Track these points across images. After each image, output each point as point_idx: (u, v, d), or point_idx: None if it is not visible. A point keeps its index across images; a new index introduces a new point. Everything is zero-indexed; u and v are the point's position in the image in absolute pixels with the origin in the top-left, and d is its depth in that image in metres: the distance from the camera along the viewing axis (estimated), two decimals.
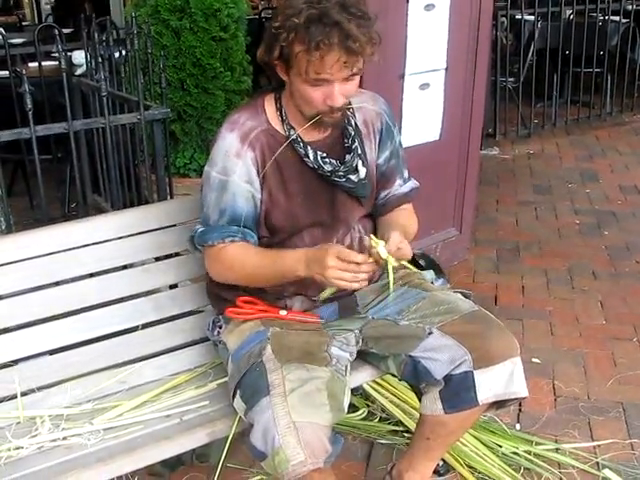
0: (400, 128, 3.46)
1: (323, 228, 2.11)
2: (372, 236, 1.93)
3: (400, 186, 2.28)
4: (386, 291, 2.23)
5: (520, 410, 2.84)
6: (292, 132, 2.06)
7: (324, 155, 2.08)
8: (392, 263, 1.91)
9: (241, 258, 2.05)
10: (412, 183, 2.32)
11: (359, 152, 2.12)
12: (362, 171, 2.12)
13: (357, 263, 1.87)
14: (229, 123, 2.08)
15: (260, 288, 2.15)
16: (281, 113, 2.08)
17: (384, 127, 2.21)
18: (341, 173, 2.09)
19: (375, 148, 2.20)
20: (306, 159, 2.07)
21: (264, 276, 2.06)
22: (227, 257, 2.06)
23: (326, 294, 2.01)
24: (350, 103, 2.06)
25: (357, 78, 1.96)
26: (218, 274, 2.15)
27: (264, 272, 2.05)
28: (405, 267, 2.06)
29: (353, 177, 2.11)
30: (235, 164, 2.03)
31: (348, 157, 2.11)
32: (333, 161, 2.08)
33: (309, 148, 2.07)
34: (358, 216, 2.19)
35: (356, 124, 2.15)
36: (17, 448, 1.99)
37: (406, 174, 2.31)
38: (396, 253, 1.92)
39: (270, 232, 2.13)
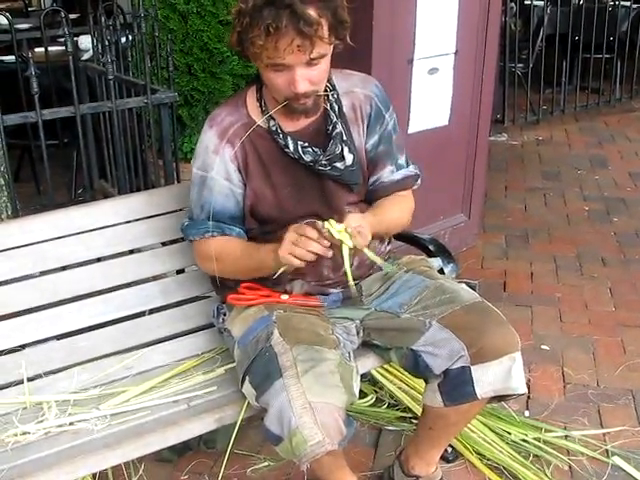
0: (409, 113, 3.46)
1: (317, 218, 2.00)
2: (331, 220, 1.88)
3: (392, 173, 2.20)
4: (390, 279, 2.22)
5: (529, 397, 2.82)
6: (272, 123, 2.03)
7: (305, 145, 2.04)
8: (347, 244, 1.86)
9: (221, 251, 2.08)
10: (407, 171, 2.24)
11: (343, 138, 2.06)
12: (349, 158, 2.07)
13: (308, 237, 1.84)
14: (209, 119, 2.09)
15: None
16: (261, 104, 2.06)
17: (373, 111, 2.14)
18: (324, 162, 2.04)
19: (363, 133, 2.14)
20: (286, 150, 2.03)
21: (244, 267, 2.09)
22: (208, 251, 2.08)
23: (348, 271, 1.93)
24: (331, 85, 2.05)
25: (323, 63, 1.90)
26: (203, 267, 2.20)
27: (243, 264, 2.08)
28: (367, 256, 1.99)
29: (339, 165, 2.06)
30: (213, 161, 2.04)
31: (330, 144, 2.05)
32: (316, 150, 2.04)
33: (289, 138, 2.03)
34: (351, 202, 2.14)
35: (340, 109, 2.08)
36: (24, 433, 1.99)
37: (402, 160, 2.24)
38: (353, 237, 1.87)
39: (260, 223, 2.12)
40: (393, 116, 2.20)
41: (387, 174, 2.19)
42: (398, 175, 2.21)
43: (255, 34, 1.80)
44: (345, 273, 1.93)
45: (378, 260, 2.01)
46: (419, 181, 2.28)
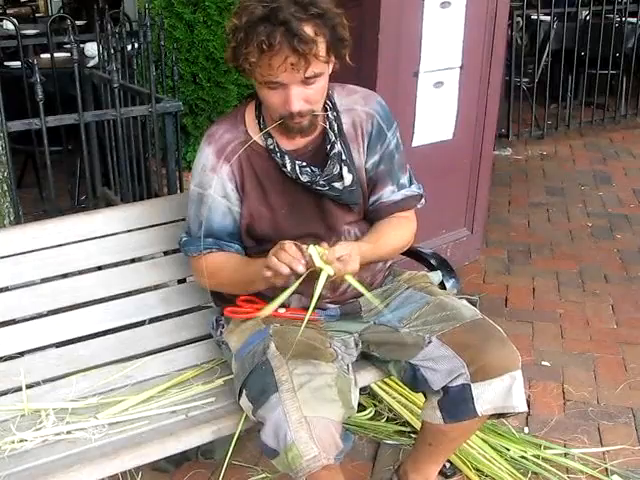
0: (413, 126, 3.46)
1: (315, 239, 1.94)
2: (316, 246, 1.80)
3: (392, 193, 2.14)
4: (390, 296, 2.21)
5: (529, 413, 2.81)
6: (270, 141, 2.01)
7: (303, 164, 2.01)
8: (328, 272, 1.79)
9: (218, 267, 2.07)
10: (408, 191, 2.18)
11: (342, 158, 2.02)
12: (348, 178, 2.02)
13: (286, 251, 1.78)
14: (207, 136, 2.07)
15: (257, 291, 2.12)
16: (259, 121, 2.03)
17: (374, 129, 2.08)
18: (322, 182, 2.01)
19: (364, 152, 2.09)
20: (284, 169, 2.01)
21: (238, 282, 2.07)
22: (207, 267, 2.06)
23: (316, 295, 1.84)
24: (331, 102, 2.02)
25: (319, 81, 1.86)
26: (201, 282, 2.19)
27: (237, 278, 2.06)
28: (352, 285, 1.92)
29: (337, 185, 2.02)
30: (211, 179, 2.02)
31: (328, 164, 2.01)
32: (314, 169, 2.01)
33: (287, 157, 2.00)
34: (350, 222, 2.11)
35: (340, 128, 2.04)
36: (21, 441, 1.98)
37: (404, 180, 2.17)
38: (336, 265, 1.80)
39: (256, 242, 2.10)
40: (396, 134, 2.14)
41: (388, 194, 2.14)
42: (399, 195, 2.15)
43: (249, 50, 1.78)
44: (312, 297, 1.84)
45: (363, 290, 1.92)
46: (423, 201, 2.23)
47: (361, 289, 1.91)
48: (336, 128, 2.03)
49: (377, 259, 2.14)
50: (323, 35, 1.79)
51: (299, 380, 1.85)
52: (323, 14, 1.79)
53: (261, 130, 2.01)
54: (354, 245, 1.93)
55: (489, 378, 1.95)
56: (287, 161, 2.00)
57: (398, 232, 2.16)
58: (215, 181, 2.02)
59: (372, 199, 2.14)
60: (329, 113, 2.02)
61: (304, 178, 2.00)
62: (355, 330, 2.16)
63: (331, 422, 1.81)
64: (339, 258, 1.81)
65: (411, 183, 2.21)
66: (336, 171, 2.02)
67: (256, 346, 2.01)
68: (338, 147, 2.02)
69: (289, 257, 1.78)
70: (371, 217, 2.16)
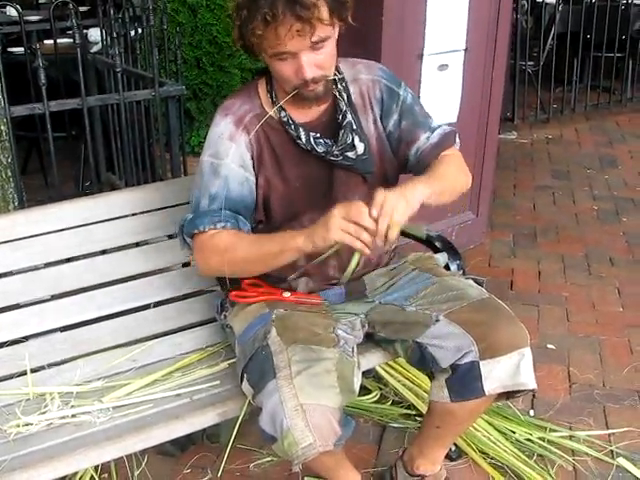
0: None
1: (324, 212, 1.88)
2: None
3: (427, 138, 2.12)
4: (396, 276, 2.21)
5: (534, 396, 2.80)
6: (283, 114, 2.01)
7: (317, 135, 2.01)
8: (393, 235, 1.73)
9: (233, 241, 1.94)
10: (441, 130, 2.15)
11: (353, 127, 2.03)
12: (359, 146, 2.03)
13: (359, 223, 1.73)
14: (223, 109, 2.05)
15: (264, 274, 2.09)
16: (271, 96, 2.03)
17: (384, 94, 2.10)
18: (336, 152, 2.01)
19: (377, 119, 2.10)
20: (299, 141, 2.01)
21: (259, 256, 1.94)
22: (219, 243, 1.95)
23: (350, 270, 1.85)
24: (340, 73, 2.02)
25: (328, 46, 1.87)
26: (207, 264, 2.03)
27: (259, 252, 1.93)
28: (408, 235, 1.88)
29: (350, 154, 2.03)
30: (229, 147, 1.99)
31: (341, 134, 2.02)
32: (327, 141, 2.02)
33: (301, 129, 2.01)
34: (362, 194, 2.06)
35: (349, 98, 2.06)
36: (26, 424, 1.99)
37: (432, 124, 2.15)
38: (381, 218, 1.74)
39: (267, 216, 2.08)
40: (408, 90, 2.14)
41: (424, 141, 2.12)
42: (435, 137, 2.12)
43: (254, 25, 1.79)
44: (346, 270, 1.86)
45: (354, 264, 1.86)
46: (457, 139, 2.20)
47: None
48: (345, 98, 2.05)
49: (440, 190, 1.98)
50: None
51: (297, 367, 1.84)
52: None
53: (274, 104, 2.01)
54: (387, 193, 1.79)
55: (498, 355, 1.95)
56: (302, 133, 2.00)
57: (451, 166, 2.10)
58: (233, 149, 1.99)
59: (413, 151, 2.12)
60: (338, 84, 2.03)
61: (320, 149, 2.01)
62: (361, 311, 2.16)
63: (328, 409, 1.79)
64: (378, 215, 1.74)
65: (439, 126, 2.18)
66: (349, 140, 2.02)
67: (258, 331, 2.01)
68: (349, 117, 2.03)
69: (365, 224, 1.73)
70: (419, 168, 2.10)
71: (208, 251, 1.99)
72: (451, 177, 2.07)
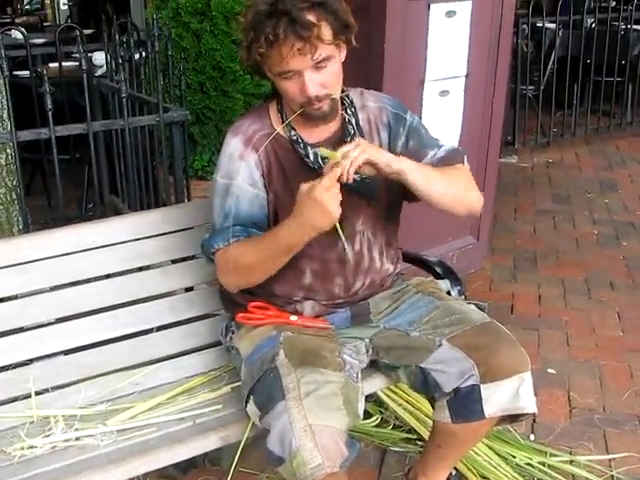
0: None
1: (332, 229, 1.94)
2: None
3: (434, 155, 2.17)
4: (399, 299, 2.23)
5: (534, 421, 2.81)
6: (293, 133, 2.06)
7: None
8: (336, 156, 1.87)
9: (241, 250, 2.02)
10: (449, 146, 2.21)
11: None
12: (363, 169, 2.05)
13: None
14: (233, 129, 2.12)
15: (271, 293, 2.13)
16: (282, 115, 2.09)
17: (391, 119, 2.16)
18: None
19: (382, 144, 2.14)
20: (306, 159, 2.06)
21: (267, 257, 2.00)
22: (232, 255, 2.03)
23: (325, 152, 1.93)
24: (351, 102, 2.09)
25: (331, 66, 1.92)
26: (227, 278, 2.12)
27: (265, 253, 1.99)
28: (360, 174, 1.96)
29: (355, 176, 2.01)
30: (239, 166, 2.05)
31: None
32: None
33: (309, 149, 2.06)
34: (365, 218, 2.13)
35: (357, 123, 2.12)
36: (30, 447, 1.99)
37: (440, 143, 2.21)
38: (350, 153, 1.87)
39: None
40: (414, 116, 2.20)
41: (430, 157, 2.17)
42: (442, 153, 2.18)
43: (259, 45, 1.87)
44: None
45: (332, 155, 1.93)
46: (466, 159, 2.24)
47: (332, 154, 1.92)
48: (354, 122, 2.10)
49: (427, 182, 2.02)
50: (326, 20, 1.87)
51: (306, 388, 1.86)
52: (323, 2, 1.87)
53: (283, 123, 2.06)
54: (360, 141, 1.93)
55: (498, 379, 1.97)
56: (310, 152, 2.05)
57: (457, 175, 2.15)
58: (243, 168, 2.05)
59: None
60: (347, 109, 2.09)
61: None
62: (366, 335, 2.18)
63: (336, 430, 1.81)
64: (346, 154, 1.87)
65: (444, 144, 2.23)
66: None
67: (266, 353, 2.02)
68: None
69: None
70: None
71: (226, 266, 2.08)
72: (455, 183, 2.12)
